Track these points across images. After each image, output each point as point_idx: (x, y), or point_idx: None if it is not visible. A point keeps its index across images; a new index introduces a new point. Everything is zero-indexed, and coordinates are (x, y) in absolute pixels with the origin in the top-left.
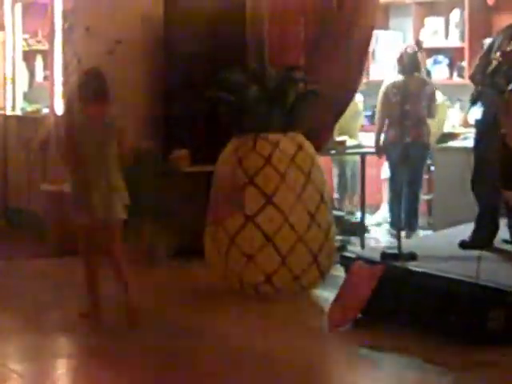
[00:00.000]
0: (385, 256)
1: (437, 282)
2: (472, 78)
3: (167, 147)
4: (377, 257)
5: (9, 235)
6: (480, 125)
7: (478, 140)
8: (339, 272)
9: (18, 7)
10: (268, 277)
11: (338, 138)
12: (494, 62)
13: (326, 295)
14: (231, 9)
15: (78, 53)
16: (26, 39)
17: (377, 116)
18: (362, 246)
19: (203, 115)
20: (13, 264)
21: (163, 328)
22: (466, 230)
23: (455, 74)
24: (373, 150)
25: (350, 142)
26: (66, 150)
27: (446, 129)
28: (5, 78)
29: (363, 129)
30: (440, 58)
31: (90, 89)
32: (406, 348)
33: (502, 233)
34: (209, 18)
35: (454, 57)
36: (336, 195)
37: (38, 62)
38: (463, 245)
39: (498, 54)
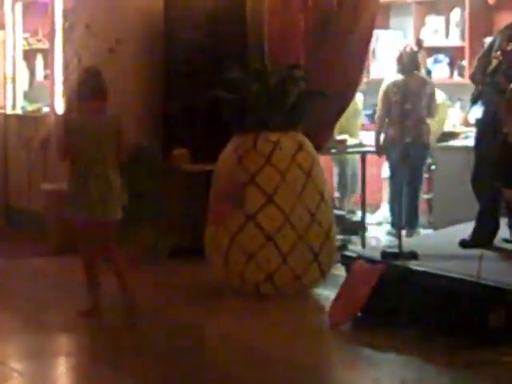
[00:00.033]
0: (385, 255)
1: (437, 280)
2: (472, 77)
3: (167, 146)
4: (377, 256)
5: (9, 235)
6: (480, 124)
7: (478, 139)
8: (340, 271)
9: (19, 6)
10: (269, 276)
11: (339, 137)
12: (494, 61)
13: (327, 294)
14: (231, 6)
15: (78, 51)
16: (26, 38)
17: (377, 115)
18: (363, 245)
19: (203, 114)
20: (13, 263)
21: (163, 327)
22: (466, 229)
23: (456, 73)
24: (373, 149)
25: (350, 141)
26: (63, 147)
27: (447, 128)
28: (5, 77)
29: (363, 128)
30: (440, 57)
31: (87, 87)
32: (406, 347)
33: (503, 232)
34: (209, 17)
35: (454, 56)
36: (337, 194)
37: (39, 60)
38: (463, 244)
39: (499, 53)
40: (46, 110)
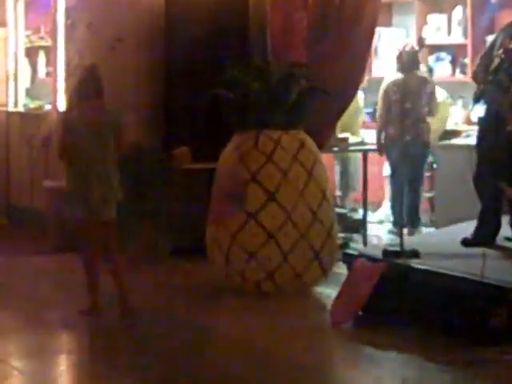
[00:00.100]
0: (387, 253)
1: (439, 279)
2: (474, 76)
3: (168, 144)
4: (379, 254)
5: (10, 232)
6: (483, 122)
7: (480, 137)
8: (341, 269)
9: (21, 3)
10: (270, 274)
11: (340, 135)
12: (497, 60)
13: (328, 293)
14: (233, 4)
15: (80, 49)
16: (28, 35)
17: (378, 114)
18: (365, 243)
19: (204, 112)
20: (14, 261)
21: (164, 326)
22: (468, 228)
23: (458, 70)
24: (375, 147)
25: (352, 139)
26: (61, 146)
27: (449, 126)
28: (7, 75)
29: (365, 126)
30: (443, 54)
31: (88, 85)
32: (407, 345)
33: (505, 230)
34: (210, 15)
35: (456, 54)
36: (338, 192)
37: (41, 58)
38: (465, 242)
39: (501, 51)
40: (48, 107)
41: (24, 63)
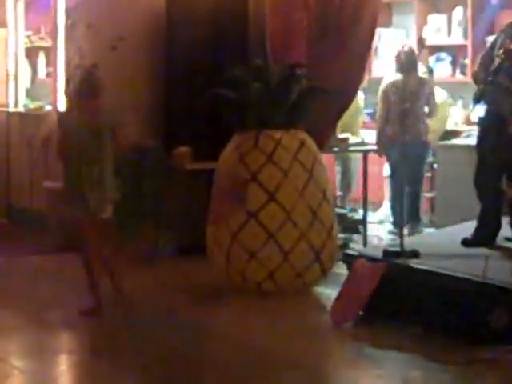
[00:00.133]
0: (387, 254)
1: (439, 279)
2: (474, 77)
3: (168, 144)
4: (379, 254)
5: (11, 232)
6: (483, 122)
7: (480, 138)
8: (341, 269)
9: (21, 4)
10: (270, 274)
11: (341, 136)
12: (497, 60)
13: (328, 293)
14: (233, 4)
15: (80, 49)
16: (28, 36)
17: (378, 115)
18: (365, 243)
19: (205, 112)
20: (15, 261)
21: (164, 325)
22: (468, 228)
23: (458, 71)
24: (375, 147)
25: (352, 140)
26: (60, 145)
27: (449, 126)
28: (7, 75)
29: (365, 126)
30: (443, 55)
31: (88, 85)
32: (407, 346)
33: (505, 231)
34: (211, 15)
35: (456, 54)
36: (339, 193)
37: (41, 58)
38: (465, 242)
39: (501, 51)
40: (48, 107)
41: (24, 64)
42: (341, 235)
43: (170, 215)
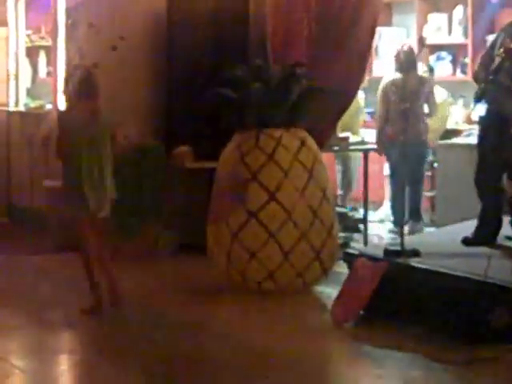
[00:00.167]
0: (388, 253)
1: (440, 278)
2: (475, 77)
3: (169, 144)
4: (380, 254)
5: (11, 231)
6: (484, 121)
7: (481, 137)
8: (342, 269)
9: (22, 3)
10: (271, 273)
11: (341, 135)
12: (498, 59)
13: (329, 292)
14: (234, 4)
15: (81, 49)
16: (29, 35)
17: (377, 114)
18: (365, 242)
19: (206, 112)
20: (15, 260)
21: (165, 324)
22: (469, 227)
23: (458, 70)
24: (375, 146)
25: (352, 139)
26: (58, 144)
27: (449, 125)
28: (8, 74)
29: (365, 125)
30: (443, 54)
31: (87, 86)
32: (408, 345)
33: (505, 230)
34: (212, 15)
35: (457, 53)
36: (339, 192)
37: (41, 57)
38: (466, 241)
39: (501, 50)
40: (48, 107)
41: (25, 63)
42: (341, 234)
43: (171, 214)
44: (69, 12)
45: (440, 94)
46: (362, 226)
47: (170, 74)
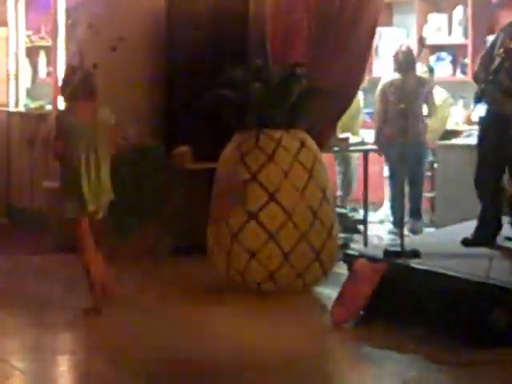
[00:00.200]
0: (387, 253)
1: (439, 279)
2: (475, 77)
3: (169, 144)
4: (379, 254)
5: (11, 232)
6: (483, 122)
7: (481, 137)
8: (342, 269)
9: (21, 3)
10: (270, 274)
11: (341, 135)
12: (498, 59)
13: (329, 293)
14: (233, 4)
15: (80, 49)
16: (29, 35)
17: (375, 114)
18: (365, 243)
19: (205, 112)
20: (15, 261)
21: (165, 325)
22: (468, 228)
23: (458, 70)
24: (375, 146)
25: (352, 139)
26: (56, 144)
27: (449, 126)
28: (8, 75)
29: (364, 125)
30: (443, 54)
31: (86, 86)
32: (407, 346)
33: (505, 230)
34: (211, 15)
35: (457, 54)
36: (339, 192)
37: (41, 58)
38: (466, 242)
39: (501, 50)
40: (48, 107)
41: (25, 63)
42: (341, 235)
43: (170, 215)
44: (69, 12)
45: (440, 95)
46: (361, 227)
47: (169, 74)
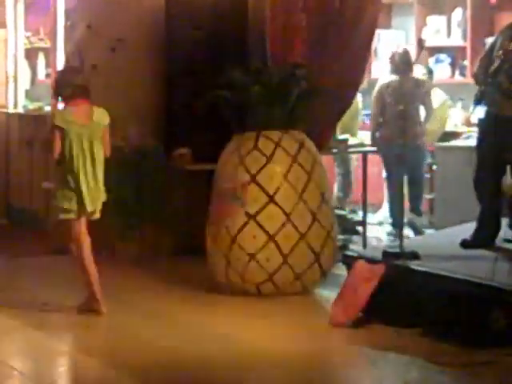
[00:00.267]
0: (386, 255)
1: (439, 281)
2: (475, 78)
3: (169, 145)
4: (378, 256)
5: (10, 233)
6: (483, 124)
7: (480, 139)
8: (341, 271)
9: (20, 5)
10: (270, 275)
11: (340, 137)
12: (497, 61)
13: (328, 294)
14: (233, 5)
15: (79, 50)
16: (28, 37)
17: (371, 116)
18: (364, 244)
19: (205, 113)
20: (14, 261)
21: (164, 326)
22: (467, 230)
23: (457, 72)
24: (373, 148)
25: (352, 141)
26: (52, 144)
27: (448, 128)
28: (7, 76)
29: (362, 127)
30: (442, 56)
31: (83, 86)
32: (406, 347)
33: (504, 232)
34: (211, 16)
35: (456, 56)
36: (339, 194)
37: (40, 59)
38: (465, 244)
39: (500, 52)
40: (47, 108)
41: (24, 65)
42: (340, 236)
43: (170, 215)
44: (68, 14)
45: (439, 97)
46: (360, 229)
47: (169, 75)
